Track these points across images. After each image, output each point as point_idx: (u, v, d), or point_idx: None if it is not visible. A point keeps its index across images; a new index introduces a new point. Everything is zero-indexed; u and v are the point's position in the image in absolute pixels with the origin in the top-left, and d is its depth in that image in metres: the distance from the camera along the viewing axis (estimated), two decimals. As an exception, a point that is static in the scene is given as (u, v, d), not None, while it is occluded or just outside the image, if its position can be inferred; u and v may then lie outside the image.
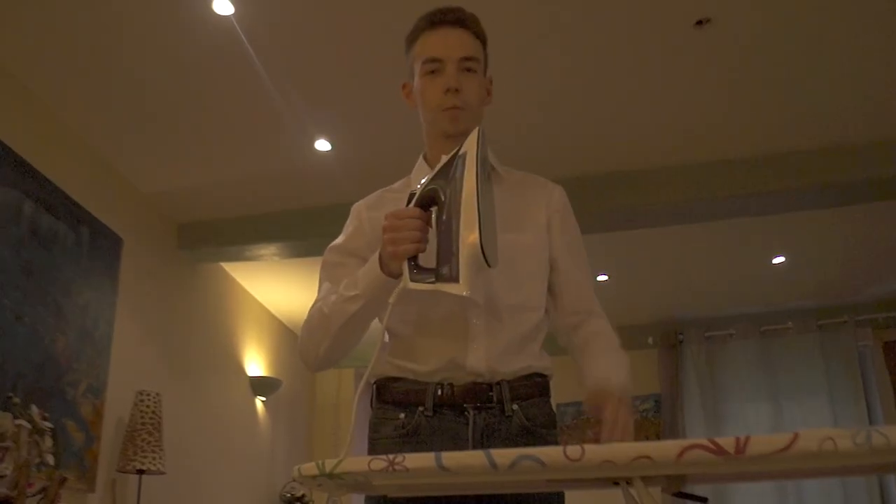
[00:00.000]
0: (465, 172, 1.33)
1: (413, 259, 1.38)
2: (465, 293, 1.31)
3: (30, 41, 3.19)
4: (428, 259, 1.37)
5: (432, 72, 1.58)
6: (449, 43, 1.58)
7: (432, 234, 1.39)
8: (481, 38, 1.64)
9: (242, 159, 4.05)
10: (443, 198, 1.37)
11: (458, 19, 1.60)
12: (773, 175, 4.02)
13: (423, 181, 1.41)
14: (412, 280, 1.36)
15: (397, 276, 1.40)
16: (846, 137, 3.91)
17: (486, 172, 1.38)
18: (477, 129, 1.38)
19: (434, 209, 1.39)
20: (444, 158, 1.40)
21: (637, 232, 4.60)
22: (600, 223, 4.27)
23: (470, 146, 1.36)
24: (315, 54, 3.30)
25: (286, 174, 4.18)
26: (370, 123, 3.78)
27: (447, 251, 1.33)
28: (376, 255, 1.45)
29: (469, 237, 1.30)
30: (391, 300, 1.40)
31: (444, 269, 1.33)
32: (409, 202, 1.41)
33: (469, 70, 1.58)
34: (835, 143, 3.94)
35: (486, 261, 1.30)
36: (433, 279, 1.34)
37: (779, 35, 3.23)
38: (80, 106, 3.60)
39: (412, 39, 1.64)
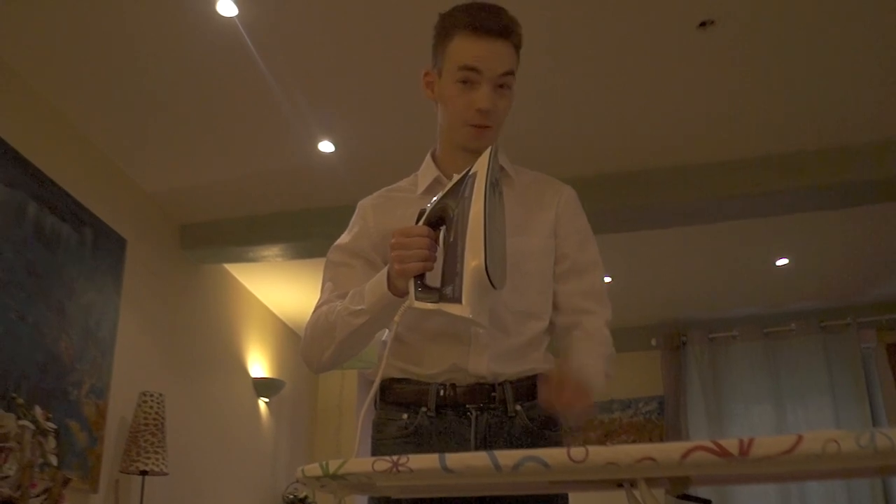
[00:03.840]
0: (474, 194, 1.32)
1: (420, 277, 1.37)
2: (466, 315, 1.30)
3: (35, 42, 3.20)
4: (436, 278, 1.37)
5: (465, 81, 1.52)
6: (491, 57, 1.51)
7: (441, 252, 1.38)
8: (520, 45, 1.57)
9: (246, 160, 4.05)
10: (451, 217, 1.36)
11: (503, 30, 1.52)
12: (776, 176, 4.02)
13: (433, 199, 1.41)
14: (417, 299, 1.36)
15: (403, 294, 1.39)
16: (850, 139, 3.90)
17: (496, 191, 1.37)
18: (489, 148, 1.37)
19: (443, 228, 1.39)
20: (456, 177, 1.39)
21: (640, 233, 4.60)
22: (603, 224, 4.26)
23: (480, 166, 1.35)
24: (318, 56, 3.31)
25: (290, 175, 4.18)
26: (373, 125, 3.78)
27: (452, 271, 1.33)
28: (384, 271, 1.44)
29: (473, 261, 1.29)
30: (396, 318, 1.39)
31: (448, 289, 1.33)
32: (418, 220, 1.41)
33: (503, 86, 1.54)
34: (839, 144, 3.94)
35: (492, 284, 1.30)
36: (437, 298, 1.34)
37: (782, 36, 3.23)
38: (85, 106, 3.60)
39: (448, 33, 1.55)
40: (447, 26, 1.56)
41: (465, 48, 1.52)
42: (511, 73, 1.54)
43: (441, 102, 1.60)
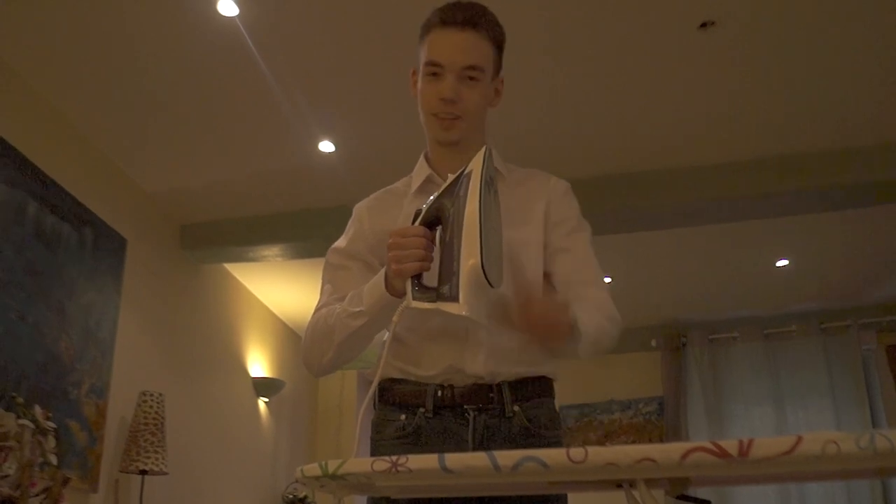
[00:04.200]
0: (469, 193, 1.33)
1: (417, 277, 1.38)
2: (464, 313, 1.31)
3: (35, 42, 3.20)
4: (434, 278, 1.38)
5: (433, 74, 1.55)
6: (454, 49, 1.53)
7: (437, 252, 1.39)
8: (496, 39, 1.57)
9: (246, 160, 4.05)
10: (447, 216, 1.37)
11: (469, 20, 1.53)
12: (776, 177, 4.02)
13: (430, 199, 1.41)
14: (414, 298, 1.37)
15: (401, 294, 1.40)
16: (851, 140, 3.90)
17: (492, 190, 1.38)
18: (483, 148, 1.38)
19: (439, 228, 1.39)
20: (451, 177, 1.40)
21: (640, 234, 4.60)
22: (604, 225, 4.26)
23: (475, 165, 1.35)
24: (319, 55, 3.31)
25: (290, 175, 4.18)
26: (374, 125, 3.78)
27: (448, 270, 1.34)
28: (382, 272, 1.45)
29: (469, 260, 1.30)
30: (394, 318, 1.40)
31: (445, 288, 1.33)
32: (414, 220, 1.41)
33: (472, 78, 1.54)
34: (839, 145, 3.94)
35: (489, 282, 1.30)
36: (434, 298, 1.35)
37: (783, 37, 3.23)
38: (85, 106, 3.60)
39: (424, 31, 1.59)
40: (424, 26, 1.59)
41: (433, 43, 1.55)
42: (477, 67, 1.54)
43: (418, 99, 1.62)
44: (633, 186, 4.17)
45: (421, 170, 1.66)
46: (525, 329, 1.43)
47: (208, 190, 4.31)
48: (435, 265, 1.38)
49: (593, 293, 1.56)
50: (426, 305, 1.35)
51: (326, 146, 3.92)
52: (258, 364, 5.62)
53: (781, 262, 5.27)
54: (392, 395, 1.55)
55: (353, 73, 3.41)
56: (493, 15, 1.58)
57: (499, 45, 1.59)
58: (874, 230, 4.77)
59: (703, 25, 3.14)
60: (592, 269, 1.62)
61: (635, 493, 1.02)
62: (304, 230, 4.50)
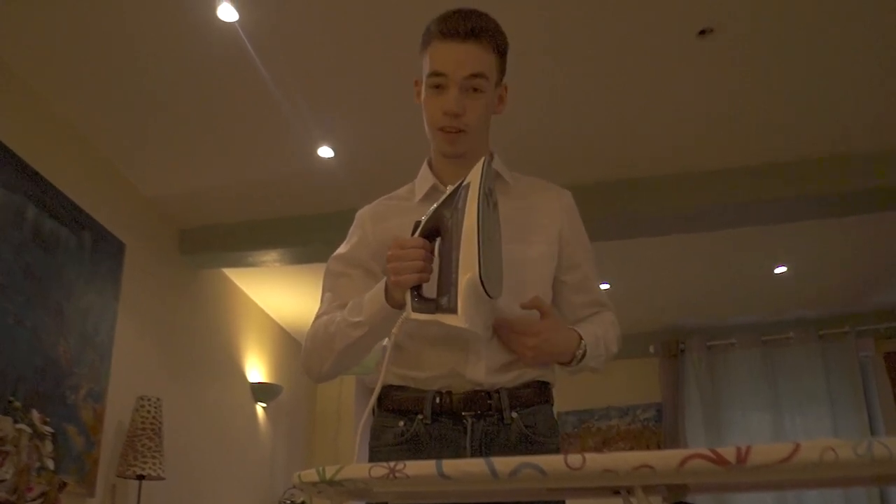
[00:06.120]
0: (468, 205, 1.33)
1: (416, 288, 1.38)
2: (463, 325, 1.31)
3: (35, 42, 3.20)
4: (433, 289, 1.38)
5: (437, 86, 1.53)
6: (457, 59, 1.50)
7: (436, 263, 1.39)
8: (498, 47, 1.55)
9: (245, 165, 4.05)
10: (446, 227, 1.37)
11: (471, 31, 1.50)
12: (775, 184, 4.02)
13: (430, 210, 1.41)
14: (414, 310, 1.37)
15: (401, 306, 1.40)
16: (849, 147, 3.91)
17: (491, 201, 1.38)
18: (482, 159, 1.38)
19: (439, 239, 1.40)
20: (450, 188, 1.40)
21: (639, 240, 4.60)
22: (602, 231, 4.27)
23: (474, 176, 1.35)
24: (319, 61, 3.31)
25: (289, 180, 4.18)
26: (373, 130, 3.79)
27: (447, 281, 1.34)
28: (382, 282, 1.45)
29: (467, 272, 1.30)
30: (394, 330, 1.40)
31: (444, 299, 1.34)
32: (413, 231, 1.41)
33: (475, 90, 1.52)
34: (838, 152, 3.94)
35: (488, 293, 1.31)
36: (433, 309, 1.35)
37: (782, 44, 3.23)
38: (85, 110, 3.61)
39: (425, 42, 1.56)
40: (425, 37, 1.57)
41: (435, 55, 1.53)
42: (481, 75, 1.52)
43: (423, 111, 1.60)
44: (632, 192, 4.17)
45: (425, 178, 1.66)
46: (523, 358, 1.52)
47: (207, 194, 4.31)
48: (435, 276, 1.38)
49: (610, 316, 1.67)
50: (425, 317, 1.36)
51: (325, 151, 3.92)
52: (256, 369, 5.62)
53: (780, 269, 5.27)
54: (391, 402, 1.55)
55: (353, 78, 3.41)
56: (494, 22, 1.56)
57: (501, 52, 1.57)
58: (873, 237, 4.77)
59: (702, 32, 3.14)
60: (604, 300, 1.70)
61: (633, 500, 1.02)
62: (303, 235, 4.50)
